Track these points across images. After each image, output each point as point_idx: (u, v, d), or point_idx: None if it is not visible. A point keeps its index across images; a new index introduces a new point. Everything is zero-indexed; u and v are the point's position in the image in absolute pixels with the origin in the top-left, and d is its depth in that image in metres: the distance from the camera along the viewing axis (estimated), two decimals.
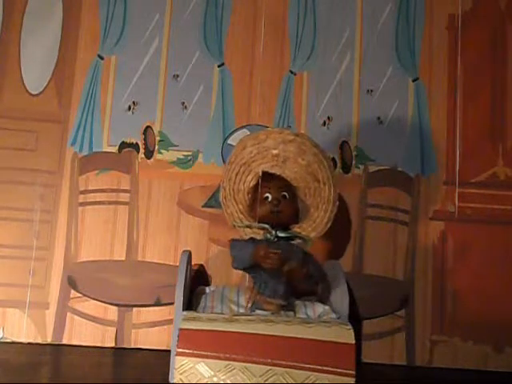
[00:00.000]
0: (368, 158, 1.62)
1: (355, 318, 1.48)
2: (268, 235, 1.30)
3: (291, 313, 1.27)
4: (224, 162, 1.54)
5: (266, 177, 1.33)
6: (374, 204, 1.61)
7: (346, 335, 1.11)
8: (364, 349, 1.54)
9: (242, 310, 1.28)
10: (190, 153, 1.61)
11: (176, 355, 1.09)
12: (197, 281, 1.50)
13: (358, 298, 1.53)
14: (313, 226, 1.35)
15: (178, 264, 1.31)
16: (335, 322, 1.17)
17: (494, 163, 1.62)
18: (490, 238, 1.59)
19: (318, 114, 1.64)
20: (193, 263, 1.45)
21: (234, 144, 1.45)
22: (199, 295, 1.39)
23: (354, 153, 1.62)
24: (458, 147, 1.61)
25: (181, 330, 1.11)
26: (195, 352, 1.07)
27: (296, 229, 1.34)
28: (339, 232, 1.56)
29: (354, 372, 1.09)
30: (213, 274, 1.56)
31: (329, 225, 1.34)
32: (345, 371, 1.08)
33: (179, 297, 1.24)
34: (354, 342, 1.11)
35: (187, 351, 1.07)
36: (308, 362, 1.08)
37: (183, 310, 1.25)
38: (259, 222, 1.31)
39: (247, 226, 1.35)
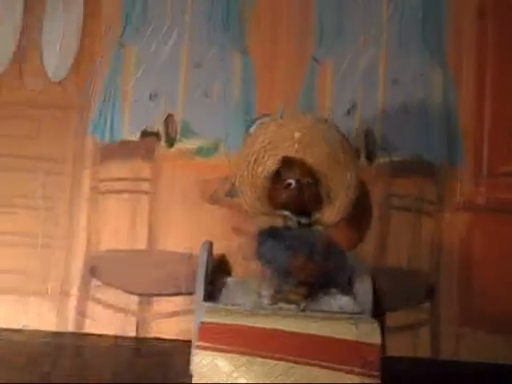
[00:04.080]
0: (393, 147, 1.63)
1: (378, 311, 1.49)
2: (289, 222, 1.29)
3: (315, 305, 1.25)
4: None
5: (288, 162, 1.31)
6: (398, 194, 1.62)
7: (372, 333, 1.10)
8: (387, 342, 1.53)
9: (264, 301, 1.29)
10: (212, 142, 1.63)
11: (196, 349, 1.08)
12: (218, 271, 1.52)
13: (381, 290, 1.54)
14: (334, 212, 1.34)
15: (199, 254, 1.33)
16: (360, 318, 1.16)
17: None
18: None
19: (343, 102, 1.65)
20: (214, 253, 1.47)
21: None
22: (220, 286, 1.41)
23: (379, 142, 1.63)
24: (486, 136, 1.60)
25: (202, 323, 1.11)
26: (216, 346, 1.07)
27: (317, 214, 1.34)
28: (362, 223, 1.59)
29: (378, 373, 1.07)
30: (234, 265, 1.56)
31: (349, 209, 1.34)
32: (369, 372, 1.06)
33: (200, 287, 1.23)
34: (380, 341, 1.10)
35: (207, 345, 1.07)
36: (331, 360, 1.08)
37: (204, 301, 1.24)
38: (279, 209, 1.30)
39: (266, 214, 1.35)
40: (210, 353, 1.07)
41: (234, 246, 1.57)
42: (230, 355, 1.07)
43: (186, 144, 1.62)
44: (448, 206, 1.59)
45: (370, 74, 1.64)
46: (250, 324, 1.11)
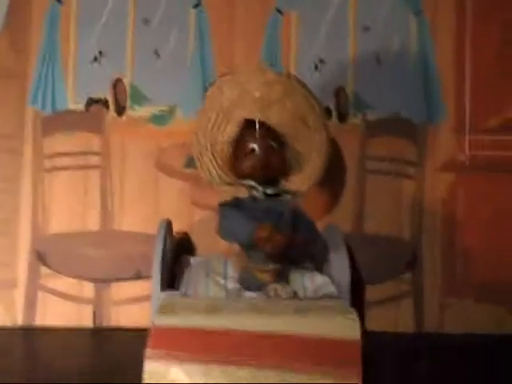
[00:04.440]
0: (367, 104, 1.50)
1: (357, 284, 1.38)
2: (255, 193, 1.17)
3: (287, 287, 1.13)
4: None
5: (249, 125, 1.18)
6: (374, 156, 1.49)
7: (350, 328, 0.96)
8: (368, 317, 1.42)
9: (229, 283, 1.17)
10: (166, 107, 1.49)
11: (147, 358, 0.94)
12: (180, 250, 1.39)
13: (360, 261, 1.40)
14: (303, 178, 1.22)
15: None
16: (336, 308, 1.02)
17: (507, 106, 1.46)
18: (504, 189, 1.49)
19: (309, 56, 1.50)
20: (175, 230, 1.34)
21: None
22: (183, 266, 1.29)
23: (351, 99, 1.50)
24: (467, 89, 1.47)
25: (153, 327, 0.96)
26: (169, 353, 0.92)
27: (285, 182, 1.21)
28: (336, 189, 1.47)
29: (359, 371, 0.94)
30: (198, 242, 1.43)
31: (321, 175, 1.21)
32: (349, 372, 0.92)
33: (156, 276, 1.11)
34: (359, 337, 0.96)
35: (160, 353, 0.92)
36: (305, 362, 0.92)
37: (164, 286, 1.15)
38: (243, 178, 1.18)
39: (229, 184, 1.22)
40: (163, 362, 0.93)
41: (196, 222, 1.45)
42: (185, 364, 0.92)
43: (137, 111, 1.47)
44: (429, 167, 1.48)
45: (338, 23, 1.49)
46: (210, 324, 0.96)
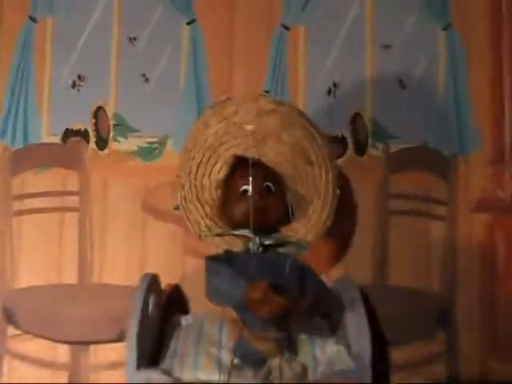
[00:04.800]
0: (388, 134, 1.30)
1: (380, 346, 1.17)
2: (250, 245, 1.02)
3: (294, 362, 0.93)
4: None
5: (241, 163, 1.03)
6: (398, 194, 1.29)
7: None
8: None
9: (224, 354, 0.98)
10: (155, 139, 1.32)
11: None
12: (171, 306, 1.21)
13: (383, 318, 1.22)
14: (308, 226, 1.07)
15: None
16: None
17: None
18: None
19: (321, 79, 1.31)
20: (166, 283, 1.18)
21: None
22: (171, 328, 1.12)
23: (371, 128, 1.31)
24: (506, 114, 1.29)
25: None
26: None
27: (286, 232, 1.06)
28: (352, 232, 1.27)
29: None
30: (191, 296, 1.25)
31: (329, 222, 1.06)
32: None
33: (131, 351, 0.91)
34: None
35: None
36: None
37: (142, 362, 0.96)
38: (236, 227, 1.03)
39: (219, 235, 1.07)
40: None
41: (189, 273, 1.26)
42: None
43: (122, 144, 1.30)
44: (462, 206, 1.28)
45: (354, 40, 1.32)
46: None
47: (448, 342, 1.25)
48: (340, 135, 1.28)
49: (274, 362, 0.94)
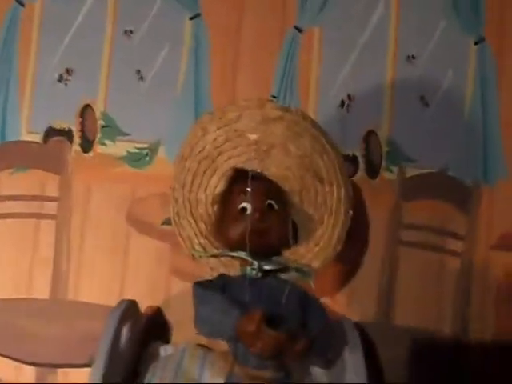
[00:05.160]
0: (405, 156, 1.20)
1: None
2: (249, 269, 0.91)
3: None
4: None
5: (242, 177, 0.93)
6: (411, 224, 1.18)
7: None
8: None
9: None
10: (146, 144, 1.22)
11: None
12: (151, 332, 1.10)
13: (387, 362, 1.12)
14: (315, 251, 0.96)
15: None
16: None
17: None
18: None
19: (335, 89, 1.20)
20: (148, 305, 1.09)
21: None
22: (149, 360, 1.00)
23: (386, 148, 1.20)
24: None
25: None
26: None
27: (290, 256, 0.96)
28: (357, 264, 1.17)
29: None
30: (174, 322, 1.14)
31: (339, 247, 0.96)
32: None
33: None
34: None
35: None
36: None
37: None
38: (233, 248, 0.93)
39: (213, 256, 0.97)
40: None
41: (174, 296, 1.15)
42: None
43: (109, 147, 1.20)
44: (481, 242, 1.17)
45: (375, 48, 1.21)
46: None
47: None
48: (351, 154, 1.17)
49: None
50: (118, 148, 1.20)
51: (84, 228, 1.19)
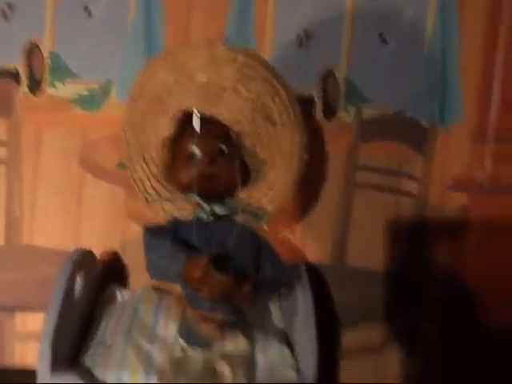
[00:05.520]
0: (363, 96, 1.16)
1: (333, 329, 1.14)
2: (200, 213, 0.90)
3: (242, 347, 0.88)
4: None
5: (190, 120, 0.89)
6: (367, 166, 1.17)
7: None
8: (346, 368, 1.16)
9: (156, 351, 0.89)
10: (97, 86, 1.16)
11: None
12: (109, 276, 1.10)
13: (337, 299, 1.14)
14: (269, 194, 0.94)
15: None
16: None
17: None
18: None
19: (292, 27, 1.15)
20: (103, 249, 1.09)
21: None
22: (106, 304, 1.02)
23: (343, 89, 1.16)
24: (496, 87, 1.15)
25: None
26: None
27: (245, 198, 0.94)
28: (311, 206, 1.17)
29: None
30: (132, 265, 1.15)
31: (293, 190, 0.94)
32: None
33: (45, 346, 0.84)
34: None
35: None
36: None
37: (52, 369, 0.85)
38: (184, 191, 0.91)
39: (168, 200, 0.96)
40: None
41: (131, 239, 1.15)
42: None
43: (58, 89, 1.15)
44: (436, 184, 1.16)
45: None
46: None
47: (406, 329, 1.18)
48: (309, 95, 1.14)
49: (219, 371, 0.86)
50: (68, 90, 1.15)
51: (36, 172, 1.16)
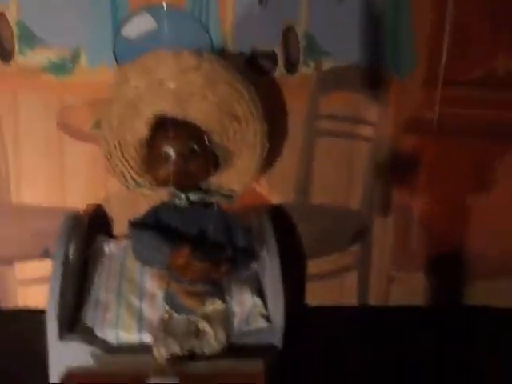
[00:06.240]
0: (322, 50, 1.20)
1: (298, 258, 1.31)
2: (177, 200, 1.01)
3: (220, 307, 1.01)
4: (117, 61, 1.03)
5: (164, 123, 0.97)
6: (326, 115, 1.24)
7: None
8: (310, 291, 1.34)
9: (145, 306, 1.05)
10: (66, 52, 1.17)
11: None
12: (95, 227, 1.23)
13: (304, 234, 1.30)
14: (237, 178, 1.06)
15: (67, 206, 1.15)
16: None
17: (492, 56, 1.20)
18: (477, 157, 1.27)
19: None
20: (88, 203, 1.22)
21: (131, 36, 1.01)
22: (95, 257, 1.17)
23: (303, 43, 1.19)
24: (447, 36, 1.19)
25: None
26: None
27: (215, 181, 1.05)
28: (277, 152, 1.24)
29: None
30: (115, 217, 1.25)
31: (257, 173, 1.06)
32: None
33: (52, 316, 0.98)
34: None
35: None
36: None
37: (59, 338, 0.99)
38: (160, 185, 1.01)
39: (147, 188, 1.05)
40: None
41: (112, 193, 1.23)
42: None
43: (28, 57, 1.15)
44: (390, 127, 1.24)
45: None
46: None
47: (362, 253, 1.31)
48: (271, 50, 1.17)
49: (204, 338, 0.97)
50: (39, 57, 1.15)
51: (16, 136, 1.19)
